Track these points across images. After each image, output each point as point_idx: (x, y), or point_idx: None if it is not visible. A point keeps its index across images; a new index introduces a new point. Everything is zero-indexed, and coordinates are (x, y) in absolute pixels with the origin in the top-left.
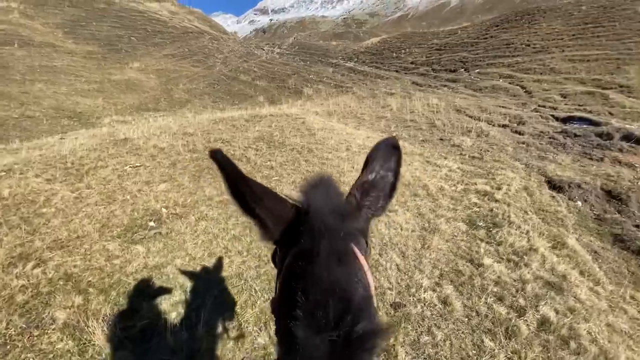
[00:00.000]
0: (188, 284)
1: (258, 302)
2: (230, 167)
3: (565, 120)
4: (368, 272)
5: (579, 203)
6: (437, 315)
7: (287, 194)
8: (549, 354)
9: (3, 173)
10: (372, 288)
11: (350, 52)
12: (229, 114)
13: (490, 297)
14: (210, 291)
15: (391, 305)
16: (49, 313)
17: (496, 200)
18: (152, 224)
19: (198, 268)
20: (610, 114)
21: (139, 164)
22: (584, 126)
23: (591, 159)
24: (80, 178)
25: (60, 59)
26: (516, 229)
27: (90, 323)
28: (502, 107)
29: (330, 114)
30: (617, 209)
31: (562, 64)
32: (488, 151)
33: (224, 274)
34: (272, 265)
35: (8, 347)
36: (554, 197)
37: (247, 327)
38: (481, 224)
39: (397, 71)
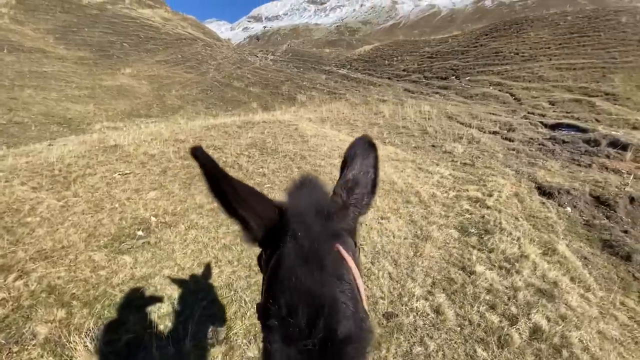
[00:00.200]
0: (176, 295)
1: (248, 314)
2: (211, 165)
3: (554, 127)
4: (356, 272)
5: (569, 209)
6: (429, 325)
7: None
8: None
9: None
10: (361, 289)
11: (343, 60)
12: (221, 121)
13: (483, 306)
14: (199, 303)
15: (383, 315)
16: (29, 328)
17: (487, 207)
18: (140, 233)
19: (187, 278)
20: (597, 120)
21: (128, 172)
22: (572, 133)
23: (579, 165)
24: (68, 186)
25: (51, 65)
26: (507, 236)
27: (72, 338)
28: (493, 114)
29: (323, 120)
30: (605, 214)
31: (549, 72)
32: (479, 158)
33: (214, 284)
34: (259, 268)
35: None
36: (544, 203)
37: (236, 339)
38: (473, 230)
39: (389, 78)
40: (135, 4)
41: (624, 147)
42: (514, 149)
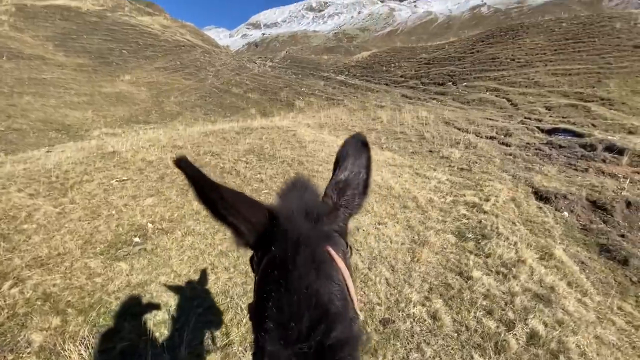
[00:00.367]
0: (172, 303)
1: (244, 321)
2: (197, 174)
3: (550, 132)
4: (346, 272)
5: (566, 213)
6: (426, 331)
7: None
8: None
9: None
10: (352, 289)
11: (341, 66)
12: (219, 127)
13: (480, 311)
14: (195, 310)
15: (380, 321)
16: (24, 335)
17: (485, 212)
18: (136, 239)
19: (183, 285)
20: (593, 125)
21: (126, 178)
22: (569, 138)
23: (576, 169)
24: (65, 193)
25: (50, 72)
26: (504, 241)
27: (67, 346)
28: (490, 119)
29: (321, 126)
30: (602, 219)
31: (545, 78)
32: (476, 163)
33: (210, 291)
34: (251, 269)
35: None
36: (541, 208)
37: (231, 347)
38: (470, 235)
39: (387, 84)
40: (134, 11)
41: (620, 151)
42: (510, 154)
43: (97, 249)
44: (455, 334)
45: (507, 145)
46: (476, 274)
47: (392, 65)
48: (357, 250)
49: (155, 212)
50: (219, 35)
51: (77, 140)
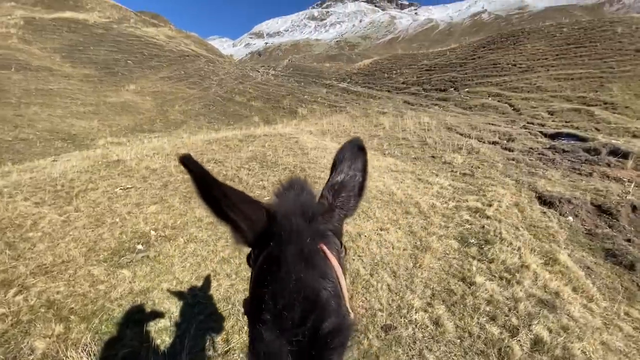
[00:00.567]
0: (174, 309)
1: (245, 328)
2: (201, 172)
3: (554, 136)
4: (339, 270)
5: (570, 218)
6: (428, 337)
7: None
8: None
9: None
10: (344, 287)
11: (344, 73)
12: (223, 134)
13: (483, 317)
14: (196, 317)
15: (382, 327)
16: (28, 343)
17: (487, 217)
18: (139, 247)
19: (185, 292)
20: (597, 129)
21: (129, 186)
22: (572, 142)
23: (580, 174)
24: (70, 201)
25: (57, 82)
26: (508, 246)
27: (69, 353)
28: (492, 124)
29: (324, 133)
30: (607, 223)
31: (548, 83)
32: (479, 168)
33: (212, 298)
34: (248, 265)
35: None
36: (544, 212)
37: (233, 354)
38: (473, 241)
39: (389, 91)
40: (140, 23)
41: (625, 155)
42: (513, 159)
43: (101, 257)
44: (458, 341)
45: (510, 150)
46: (479, 279)
47: (394, 72)
48: (359, 256)
49: (158, 219)
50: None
51: (82, 150)
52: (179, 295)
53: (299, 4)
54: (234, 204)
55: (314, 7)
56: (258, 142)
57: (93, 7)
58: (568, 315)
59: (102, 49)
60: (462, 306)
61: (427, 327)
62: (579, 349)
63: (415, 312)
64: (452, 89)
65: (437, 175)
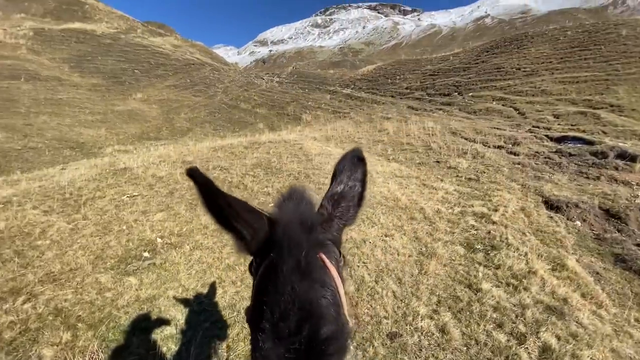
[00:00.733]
0: (180, 317)
1: (249, 336)
2: (207, 183)
3: (560, 140)
4: (338, 279)
5: (578, 223)
6: (434, 345)
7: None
8: None
9: (1, 205)
10: (343, 295)
11: (347, 80)
12: (228, 142)
13: (490, 324)
14: (202, 324)
15: (387, 335)
16: (36, 350)
17: (493, 222)
18: (146, 254)
19: (191, 299)
20: (604, 132)
21: (136, 194)
22: (579, 145)
23: (587, 177)
24: (78, 209)
25: (66, 92)
26: (514, 252)
27: None
28: (497, 128)
29: (328, 139)
30: (616, 227)
31: (552, 86)
32: (484, 173)
33: (217, 305)
34: (250, 274)
35: None
36: (551, 217)
37: None
38: (479, 246)
39: (392, 96)
40: (146, 33)
41: (633, 158)
42: (519, 163)
43: (108, 264)
44: (465, 348)
45: (516, 154)
46: (485, 285)
47: (398, 77)
48: (364, 262)
49: (164, 226)
50: (228, 53)
51: (90, 158)
52: (185, 302)
53: (302, 12)
54: (237, 213)
55: (317, 15)
56: (263, 149)
57: (101, 18)
58: (577, 322)
59: (109, 58)
60: (468, 313)
61: (433, 334)
62: (588, 356)
63: (421, 320)
64: (456, 93)
65: (442, 180)
